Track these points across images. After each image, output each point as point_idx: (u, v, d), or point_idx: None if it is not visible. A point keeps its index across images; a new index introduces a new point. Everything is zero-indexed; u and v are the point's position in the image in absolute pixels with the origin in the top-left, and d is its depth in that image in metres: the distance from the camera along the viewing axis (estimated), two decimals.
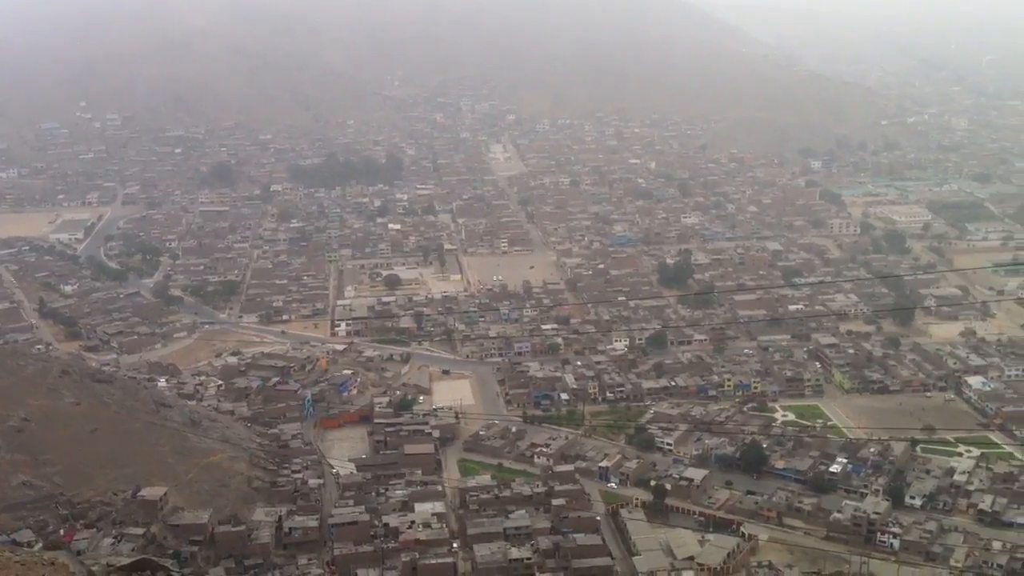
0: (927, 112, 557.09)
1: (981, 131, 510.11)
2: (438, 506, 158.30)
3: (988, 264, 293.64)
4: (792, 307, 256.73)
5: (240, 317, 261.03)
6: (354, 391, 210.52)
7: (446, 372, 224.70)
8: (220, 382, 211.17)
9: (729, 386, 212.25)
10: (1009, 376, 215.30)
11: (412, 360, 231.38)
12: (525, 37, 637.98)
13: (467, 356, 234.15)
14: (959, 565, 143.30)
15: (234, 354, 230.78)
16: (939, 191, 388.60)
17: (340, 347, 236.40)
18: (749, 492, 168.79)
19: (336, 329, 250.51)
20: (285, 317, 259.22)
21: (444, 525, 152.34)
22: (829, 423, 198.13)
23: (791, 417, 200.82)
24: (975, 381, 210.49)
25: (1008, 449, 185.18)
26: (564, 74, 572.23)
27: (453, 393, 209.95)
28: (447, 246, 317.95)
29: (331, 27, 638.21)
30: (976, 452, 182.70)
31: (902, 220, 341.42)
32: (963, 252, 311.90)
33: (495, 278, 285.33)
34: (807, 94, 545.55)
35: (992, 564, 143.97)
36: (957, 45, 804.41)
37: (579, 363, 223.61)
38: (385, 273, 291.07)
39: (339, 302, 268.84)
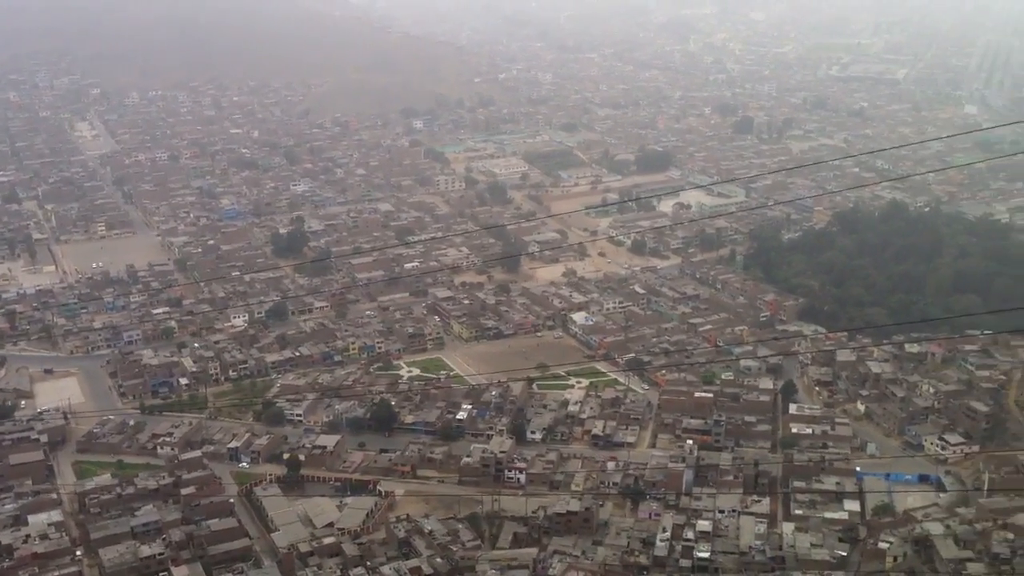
0: (515, 68, 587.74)
1: (565, 83, 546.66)
2: (54, 515, 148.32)
3: (581, 207, 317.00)
4: (408, 265, 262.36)
5: None
6: None
7: (48, 371, 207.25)
8: None
9: (354, 349, 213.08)
10: (607, 309, 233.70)
11: (8, 363, 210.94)
12: (100, 5, 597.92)
13: (71, 351, 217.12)
14: (580, 488, 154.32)
15: None
16: (532, 142, 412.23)
17: None
18: (383, 450, 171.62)
19: None
20: None
21: (64, 534, 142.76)
22: (452, 373, 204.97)
23: (416, 372, 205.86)
24: (579, 317, 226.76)
25: (612, 376, 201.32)
26: (150, 43, 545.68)
27: (59, 392, 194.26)
28: (36, 235, 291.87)
29: None
30: (585, 382, 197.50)
31: (502, 172, 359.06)
32: (559, 198, 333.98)
33: (95, 265, 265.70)
34: (404, 55, 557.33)
35: (608, 483, 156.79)
36: (537, 3, 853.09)
37: (197, 345, 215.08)
38: None
39: None
